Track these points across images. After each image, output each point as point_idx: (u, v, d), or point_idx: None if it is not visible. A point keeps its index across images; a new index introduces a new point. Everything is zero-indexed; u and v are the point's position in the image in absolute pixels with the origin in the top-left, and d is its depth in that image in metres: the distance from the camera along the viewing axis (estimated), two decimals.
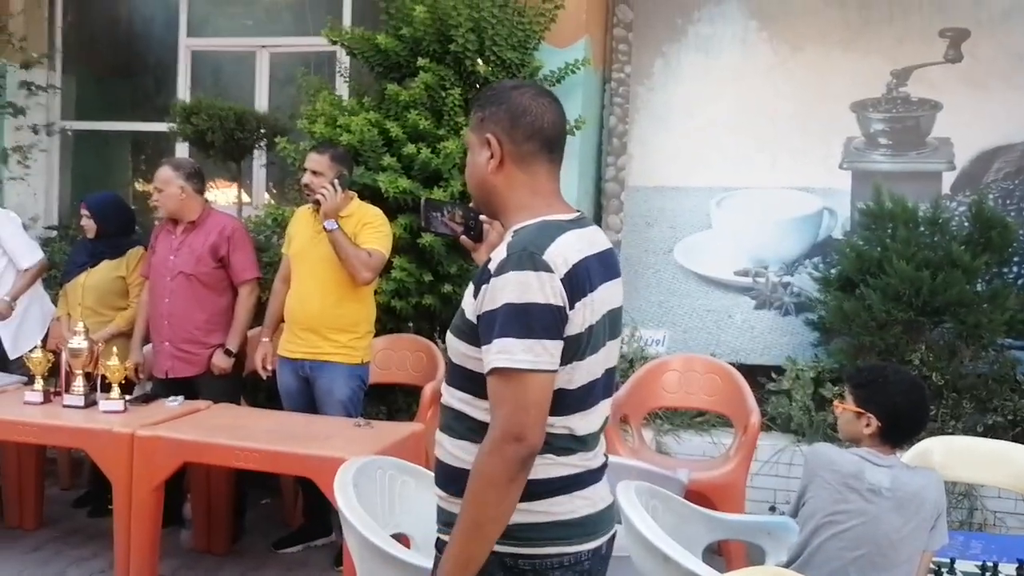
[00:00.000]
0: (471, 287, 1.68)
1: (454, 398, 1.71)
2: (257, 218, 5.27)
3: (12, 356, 4.60)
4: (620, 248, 5.33)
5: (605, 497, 1.76)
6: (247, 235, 4.28)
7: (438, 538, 1.75)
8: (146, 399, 3.98)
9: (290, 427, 3.64)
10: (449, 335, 1.72)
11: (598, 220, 5.38)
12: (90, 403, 3.78)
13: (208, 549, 4.06)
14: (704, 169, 5.31)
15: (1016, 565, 2.76)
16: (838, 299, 4.62)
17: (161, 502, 3.48)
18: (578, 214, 1.78)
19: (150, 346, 4.32)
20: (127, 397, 3.87)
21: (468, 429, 1.67)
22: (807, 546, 2.48)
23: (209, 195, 6.56)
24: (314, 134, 4.60)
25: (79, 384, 3.79)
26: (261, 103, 6.27)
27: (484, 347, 1.59)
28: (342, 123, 4.50)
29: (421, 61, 4.46)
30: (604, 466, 1.78)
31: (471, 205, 1.95)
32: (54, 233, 6.39)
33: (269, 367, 4.10)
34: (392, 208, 4.34)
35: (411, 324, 4.65)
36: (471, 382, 1.66)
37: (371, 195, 4.32)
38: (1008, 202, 4.93)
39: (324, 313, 3.87)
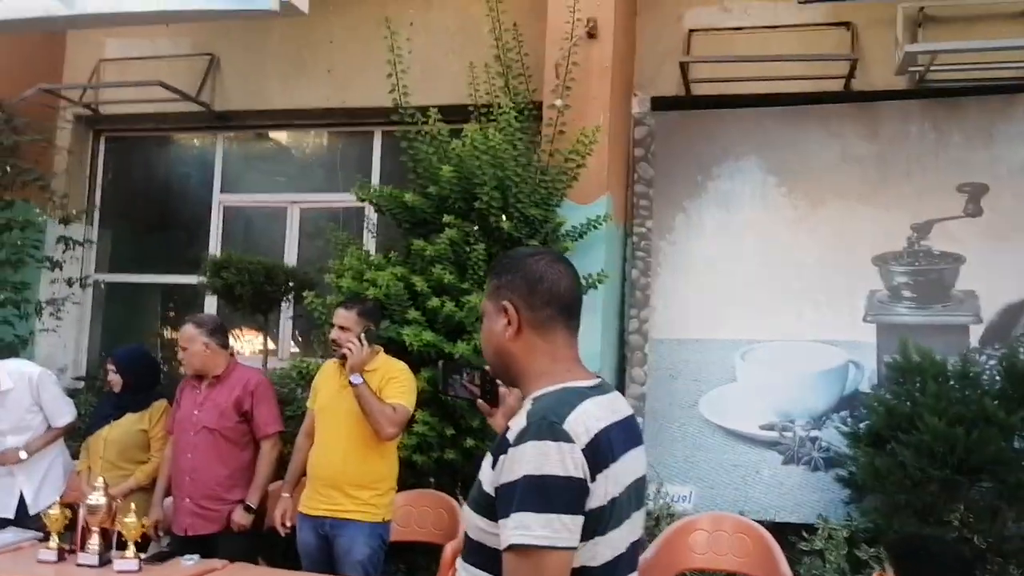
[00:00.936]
0: (489, 457, 1.63)
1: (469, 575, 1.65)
2: (282, 370, 5.29)
3: (32, 511, 4.54)
4: (644, 401, 5.29)
5: None
6: (271, 389, 4.29)
7: None
8: (161, 557, 3.88)
9: None
10: (466, 508, 1.66)
11: (622, 373, 5.36)
12: (105, 562, 3.68)
13: None
14: (728, 322, 5.32)
15: None
16: (869, 455, 4.51)
17: None
18: (599, 380, 1.75)
19: (170, 500, 4.26)
20: (142, 556, 3.78)
21: None
22: None
23: (236, 345, 6.73)
24: (341, 288, 4.68)
25: (95, 542, 3.70)
26: (291, 257, 6.42)
27: (501, 521, 1.53)
28: (369, 277, 4.58)
29: (447, 217, 4.57)
30: None
31: (488, 368, 1.92)
32: (81, 384, 6.44)
33: (288, 523, 4.01)
34: (416, 361, 4.35)
35: (432, 479, 4.58)
36: (489, 560, 1.58)
37: (396, 348, 4.34)
38: None
39: (347, 468, 3.81)
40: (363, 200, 5.09)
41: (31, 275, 6.27)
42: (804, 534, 4.67)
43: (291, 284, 5.61)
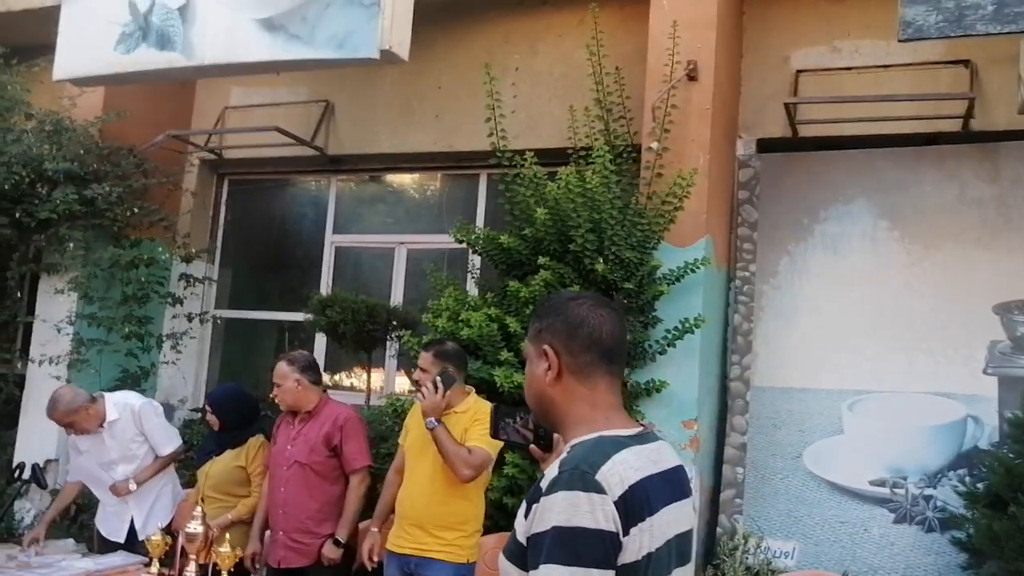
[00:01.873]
0: (523, 505, 1.59)
1: None
2: (379, 408, 5.38)
3: (141, 537, 4.72)
4: (745, 451, 5.11)
5: None
6: (361, 424, 4.35)
7: None
8: None
9: None
10: (501, 557, 1.62)
11: (722, 421, 5.21)
12: None
13: None
14: (834, 370, 5.10)
15: None
16: (987, 518, 4.22)
17: None
18: (640, 429, 1.70)
19: (269, 533, 4.37)
20: None
21: None
22: None
23: (346, 382, 6.90)
24: (437, 328, 4.74)
25: (191, 569, 3.84)
26: (397, 296, 6.57)
27: (531, 573, 1.49)
28: (464, 317, 4.62)
29: (542, 260, 4.58)
30: None
31: None
32: (198, 416, 6.71)
33: (376, 559, 4.05)
34: (507, 403, 4.34)
35: None
36: None
37: (487, 389, 4.35)
38: None
39: (431, 509, 3.82)
40: (461, 241, 5.16)
41: (154, 310, 6.62)
42: None
43: (393, 323, 5.71)
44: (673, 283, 4.74)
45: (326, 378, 6.84)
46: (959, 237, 5.05)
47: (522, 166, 4.96)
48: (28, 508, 5.96)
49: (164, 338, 6.66)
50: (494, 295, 4.90)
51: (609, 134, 5.19)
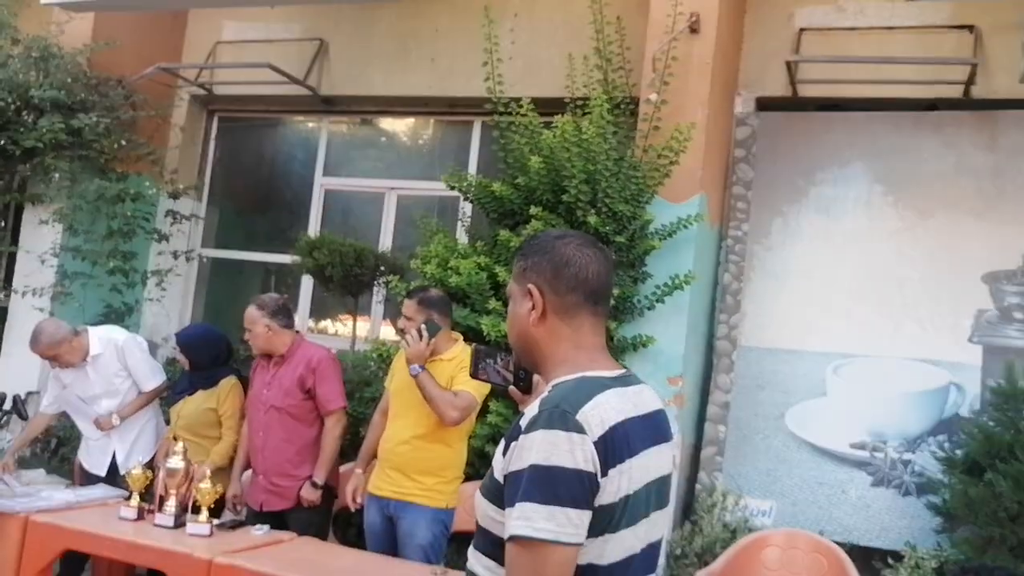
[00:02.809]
0: (502, 443, 1.58)
1: (479, 564, 1.61)
2: (365, 353, 5.36)
3: (122, 471, 4.71)
4: (728, 409, 5.13)
5: None
6: (335, 365, 4.31)
7: None
8: (233, 525, 3.98)
9: (367, 568, 3.56)
10: (477, 495, 1.62)
11: (707, 379, 5.22)
12: (179, 524, 3.80)
13: None
14: (821, 333, 5.10)
15: None
16: (963, 483, 4.26)
17: None
18: (624, 371, 1.69)
19: (248, 474, 4.36)
20: (215, 521, 3.88)
21: None
22: None
23: (331, 328, 6.87)
24: (425, 274, 4.70)
25: (171, 504, 3.84)
26: (386, 242, 6.51)
27: (507, 510, 1.49)
28: (452, 265, 4.59)
29: (534, 209, 4.54)
30: None
31: None
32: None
33: (359, 500, 4.05)
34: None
35: None
36: (497, 548, 1.54)
37: (474, 337, 4.33)
38: None
39: (412, 453, 3.82)
40: (452, 188, 5.10)
41: (140, 246, 6.55)
42: (889, 561, 4.45)
43: (381, 268, 5.67)
44: (665, 238, 4.71)
45: (310, 323, 6.83)
46: (953, 205, 5.03)
47: (518, 114, 4.88)
48: (8, 439, 5.93)
49: (149, 275, 6.60)
50: (484, 244, 4.87)
51: (608, 84, 5.11)
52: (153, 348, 6.23)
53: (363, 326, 6.46)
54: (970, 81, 4.97)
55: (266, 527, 3.92)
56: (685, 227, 4.73)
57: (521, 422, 1.55)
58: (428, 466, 3.82)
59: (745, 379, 5.20)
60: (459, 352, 3.96)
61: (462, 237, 5.54)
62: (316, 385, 4.16)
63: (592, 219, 4.49)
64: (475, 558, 1.62)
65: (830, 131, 5.34)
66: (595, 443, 1.48)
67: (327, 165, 6.90)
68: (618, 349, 4.72)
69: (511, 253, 4.58)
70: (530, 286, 1.68)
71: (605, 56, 5.20)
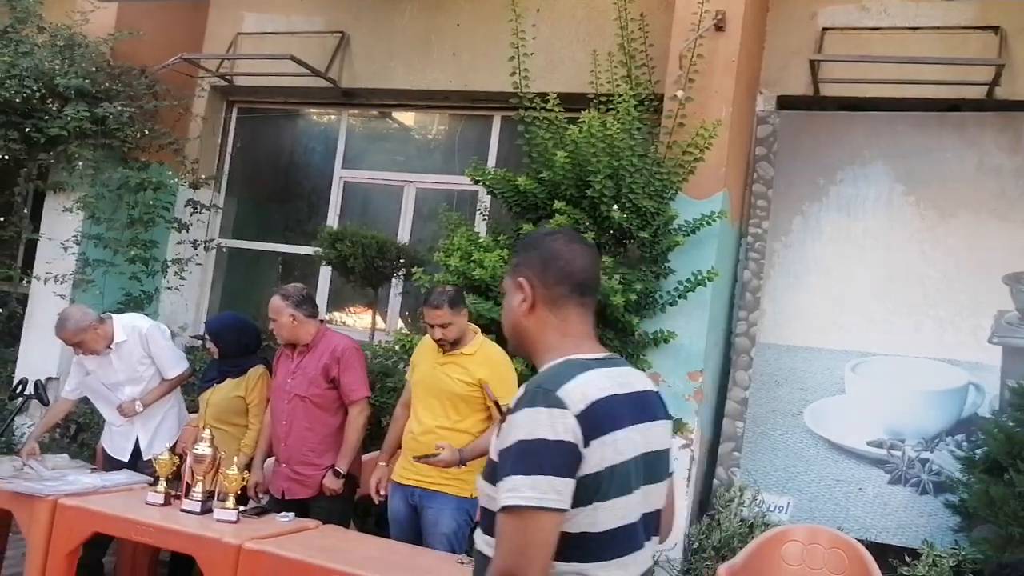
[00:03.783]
0: (497, 427, 1.69)
1: (483, 541, 1.69)
2: (387, 343, 5.39)
3: (145, 457, 4.75)
4: (746, 406, 5.16)
5: None
6: (359, 355, 4.32)
7: None
8: (259, 512, 4.02)
9: (394, 557, 3.58)
10: (478, 478, 1.73)
11: (726, 375, 5.25)
12: (206, 510, 3.84)
13: None
14: (840, 331, 5.13)
15: None
16: (984, 483, 4.28)
17: None
18: (608, 354, 1.79)
19: (271, 461, 4.39)
20: (241, 508, 3.91)
21: None
22: None
23: (349, 319, 6.91)
24: (449, 267, 4.73)
25: (198, 490, 3.87)
26: (404, 235, 6.54)
27: (497, 485, 1.58)
28: (476, 258, 4.61)
29: (558, 204, 4.56)
30: None
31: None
32: (199, 343, 6.71)
33: (383, 492, 4.08)
34: None
35: None
36: (495, 526, 1.63)
37: (496, 329, 4.35)
38: None
39: (437, 442, 3.84)
40: (476, 181, 5.13)
41: (160, 235, 6.59)
42: (907, 558, 4.48)
43: (402, 260, 5.70)
44: (688, 235, 4.74)
45: (328, 314, 6.86)
46: (975, 206, 5.05)
47: (543, 108, 4.91)
48: (29, 424, 5.98)
49: (168, 263, 6.63)
50: (507, 237, 4.89)
51: (632, 81, 5.13)
52: (171, 336, 6.27)
53: (381, 316, 6.49)
54: (994, 82, 4.99)
55: (291, 515, 3.95)
56: (708, 224, 4.76)
57: (511, 405, 1.66)
58: None
59: (763, 376, 5.22)
60: (480, 346, 3.96)
61: (481, 231, 5.56)
62: (340, 374, 4.18)
63: (616, 214, 4.51)
64: (479, 537, 1.72)
65: (851, 130, 5.36)
66: (576, 416, 1.58)
67: (346, 157, 6.93)
68: (640, 344, 4.75)
69: None
70: (521, 279, 1.81)
71: (628, 53, 5.22)
